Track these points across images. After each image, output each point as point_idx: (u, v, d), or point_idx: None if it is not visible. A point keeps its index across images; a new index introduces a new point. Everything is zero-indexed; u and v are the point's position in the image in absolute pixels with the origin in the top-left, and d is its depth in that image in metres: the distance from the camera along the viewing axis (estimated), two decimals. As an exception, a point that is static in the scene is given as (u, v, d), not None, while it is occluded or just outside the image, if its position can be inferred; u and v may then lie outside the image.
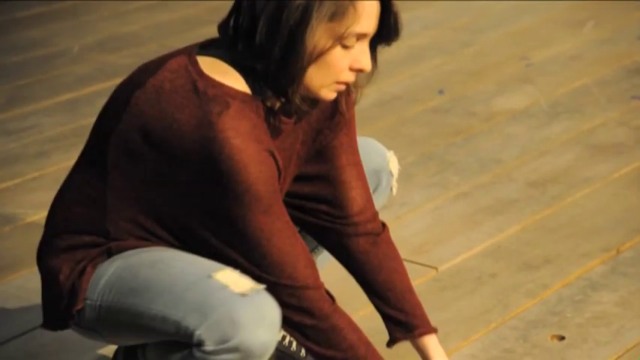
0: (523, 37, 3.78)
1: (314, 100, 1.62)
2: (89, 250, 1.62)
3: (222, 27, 1.60)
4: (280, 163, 1.59)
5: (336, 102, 1.70)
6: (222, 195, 1.54)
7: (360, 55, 1.58)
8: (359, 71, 1.60)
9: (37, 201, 2.73)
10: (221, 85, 1.55)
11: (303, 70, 1.55)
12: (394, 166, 1.96)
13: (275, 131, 1.62)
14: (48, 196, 2.77)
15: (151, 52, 3.72)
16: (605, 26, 3.82)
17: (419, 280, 2.25)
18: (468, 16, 4.00)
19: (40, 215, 2.66)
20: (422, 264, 2.34)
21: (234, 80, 1.57)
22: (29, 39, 4.03)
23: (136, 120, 1.57)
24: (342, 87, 1.61)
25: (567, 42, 3.69)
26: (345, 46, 1.56)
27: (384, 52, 1.64)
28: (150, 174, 1.57)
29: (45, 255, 1.66)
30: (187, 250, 1.62)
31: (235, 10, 1.58)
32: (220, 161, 1.51)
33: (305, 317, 1.60)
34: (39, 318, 2.19)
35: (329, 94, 1.60)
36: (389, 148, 3.04)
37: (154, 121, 1.55)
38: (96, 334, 1.65)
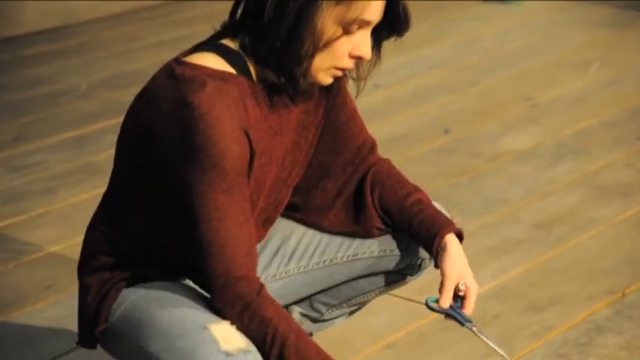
0: (529, 77, 3.79)
1: (312, 83, 1.62)
2: (114, 272, 1.65)
3: (231, 12, 1.62)
4: (254, 142, 1.58)
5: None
6: (189, 173, 1.54)
7: (361, 42, 1.58)
8: (358, 58, 1.60)
9: (42, 238, 2.73)
10: (199, 67, 1.57)
11: (310, 52, 1.55)
12: None
13: (265, 110, 1.62)
14: (53, 232, 2.79)
15: (158, 89, 3.75)
16: (611, 68, 3.83)
17: (422, 321, 2.23)
18: (474, 56, 4.02)
19: (45, 252, 2.66)
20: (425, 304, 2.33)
21: (214, 62, 1.58)
22: (36, 76, 4.05)
23: (129, 120, 1.63)
24: (340, 73, 1.61)
25: (573, 83, 3.70)
26: (347, 32, 1.57)
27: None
28: (136, 180, 1.61)
29: (81, 273, 1.70)
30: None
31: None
32: (193, 136, 1.52)
33: (233, 307, 1.57)
34: (41, 355, 2.18)
35: (325, 78, 1.60)
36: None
37: (138, 114, 1.60)
38: (116, 356, 1.68)
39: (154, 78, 1.63)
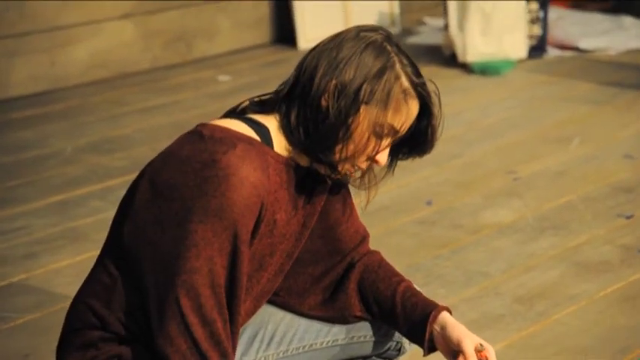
0: (510, 150, 3.84)
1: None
2: (99, 349, 1.63)
3: (275, 94, 1.68)
4: (268, 211, 1.61)
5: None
6: (200, 232, 1.55)
7: (383, 145, 1.65)
8: (375, 162, 1.66)
9: (21, 304, 2.71)
10: (228, 129, 1.61)
11: (340, 147, 1.62)
12: None
13: (285, 182, 1.66)
14: (34, 299, 2.77)
15: (143, 155, 3.76)
16: (591, 143, 3.88)
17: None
18: (457, 128, 4.06)
19: (24, 319, 2.64)
20: (407, 378, 2.32)
21: (241, 127, 1.63)
22: (22, 140, 4.07)
23: (144, 186, 1.61)
24: (354, 171, 1.67)
25: (554, 157, 3.75)
26: (376, 135, 1.63)
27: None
28: (149, 247, 1.59)
29: (61, 351, 1.67)
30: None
31: (294, 75, 1.66)
32: (214, 197, 1.54)
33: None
34: None
35: (337, 172, 1.66)
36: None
37: (159, 177, 1.60)
38: None
39: (177, 142, 1.64)
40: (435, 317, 1.75)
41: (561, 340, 2.51)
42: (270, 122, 1.66)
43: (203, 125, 1.64)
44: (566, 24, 5.36)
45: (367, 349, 1.85)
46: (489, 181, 3.55)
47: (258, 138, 1.63)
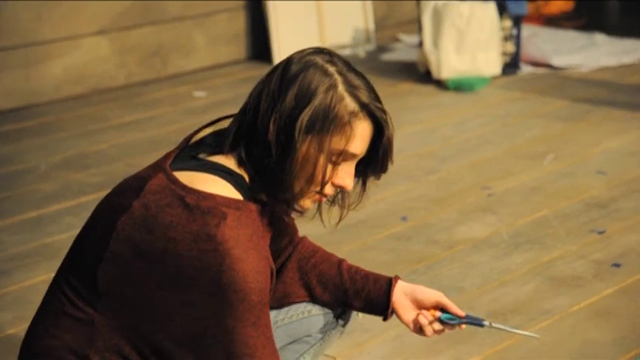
0: (485, 166, 3.86)
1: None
2: None
3: (225, 134, 1.63)
4: (273, 266, 1.60)
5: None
6: (216, 307, 1.52)
7: (344, 172, 1.62)
8: (340, 188, 1.63)
9: (-4, 320, 2.70)
10: (212, 196, 1.54)
11: (295, 179, 1.58)
12: None
13: (268, 230, 1.64)
14: (9, 315, 2.76)
15: (119, 170, 3.75)
16: (565, 160, 3.91)
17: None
18: (431, 144, 4.09)
19: (1, 335, 2.63)
20: (382, 393, 2.33)
21: (221, 188, 1.56)
22: (-3, 155, 4.05)
23: (125, 246, 1.55)
24: (322, 199, 1.64)
25: (527, 173, 3.78)
26: (332, 163, 1.60)
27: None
28: (141, 298, 1.55)
29: None
30: None
31: (238, 120, 1.61)
32: (221, 272, 1.50)
33: None
34: None
35: (307, 202, 1.63)
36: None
37: (146, 244, 1.54)
38: None
39: (153, 200, 1.55)
40: (394, 286, 1.83)
41: (535, 355, 2.52)
42: (235, 166, 1.60)
43: (184, 188, 1.54)
44: (540, 41, 5.41)
45: (310, 326, 1.88)
46: (464, 196, 3.57)
47: (239, 194, 1.57)
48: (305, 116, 1.54)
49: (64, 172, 3.85)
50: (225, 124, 1.68)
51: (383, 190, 3.63)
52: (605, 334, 2.61)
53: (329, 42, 5.40)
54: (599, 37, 5.56)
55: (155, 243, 1.54)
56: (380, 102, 1.61)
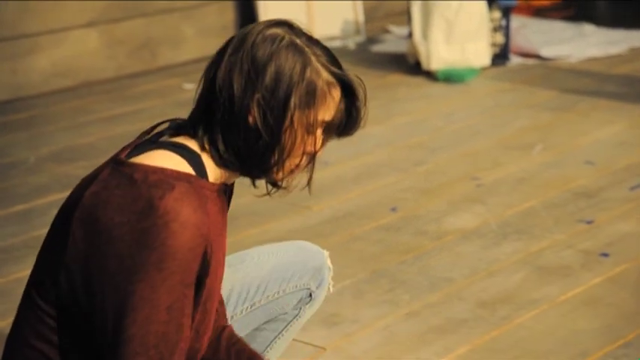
0: (474, 157, 3.87)
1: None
2: None
3: (190, 117, 1.59)
4: (213, 252, 1.54)
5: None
6: (139, 277, 1.46)
7: (318, 139, 1.61)
8: (312, 154, 1.61)
9: (-16, 313, 2.69)
10: (162, 170, 1.50)
11: (279, 158, 1.57)
12: (329, 263, 2.05)
13: (219, 211, 1.60)
14: (-3, 308, 2.75)
15: (107, 164, 3.75)
16: (553, 150, 3.92)
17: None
18: (421, 135, 4.09)
19: (-13, 328, 2.63)
20: (371, 384, 2.34)
21: (174, 162, 1.53)
22: (-15, 149, 4.04)
23: (80, 245, 1.51)
24: (297, 171, 1.62)
25: (516, 164, 3.78)
26: (311, 133, 1.59)
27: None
28: (91, 297, 1.51)
29: None
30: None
31: (204, 102, 1.57)
32: (153, 248, 1.45)
33: None
34: None
35: (288, 176, 1.62)
36: (340, 264, 3.07)
37: (97, 235, 1.49)
38: None
39: (103, 181, 1.52)
40: None
41: (523, 344, 2.53)
42: (196, 146, 1.57)
43: (131, 166, 1.51)
44: (529, 32, 5.41)
45: (284, 304, 1.94)
46: (453, 187, 3.57)
47: (192, 170, 1.54)
48: (294, 93, 1.55)
49: (52, 164, 3.84)
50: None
51: (372, 181, 3.63)
52: (593, 323, 2.62)
53: (318, 33, 5.40)
54: (588, 28, 5.57)
55: (104, 232, 1.49)
56: (341, 66, 1.62)
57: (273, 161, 1.57)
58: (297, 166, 1.61)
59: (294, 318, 2.00)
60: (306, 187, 1.64)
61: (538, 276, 2.90)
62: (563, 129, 4.15)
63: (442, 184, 3.60)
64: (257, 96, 1.54)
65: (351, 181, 3.61)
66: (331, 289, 2.06)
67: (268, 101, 1.54)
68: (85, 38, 4.84)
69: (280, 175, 1.61)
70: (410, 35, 4.98)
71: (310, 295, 2.00)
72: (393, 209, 3.39)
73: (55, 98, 4.66)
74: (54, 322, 1.56)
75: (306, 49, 1.58)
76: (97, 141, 4.11)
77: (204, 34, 5.23)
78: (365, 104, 1.63)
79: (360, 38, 5.53)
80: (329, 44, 5.52)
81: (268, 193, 1.66)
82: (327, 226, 3.28)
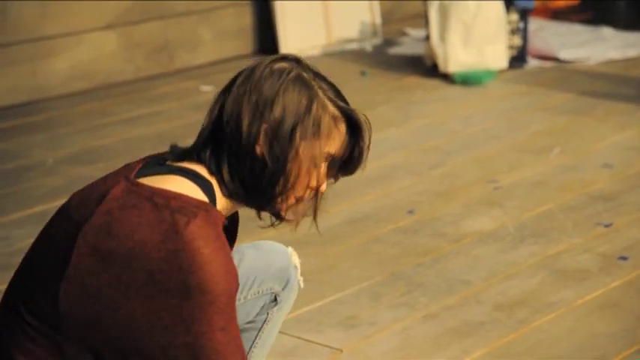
0: (491, 160, 3.86)
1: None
2: None
3: (196, 143, 1.61)
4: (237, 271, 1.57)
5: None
6: (184, 312, 1.49)
7: (322, 174, 1.62)
8: (316, 189, 1.63)
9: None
10: (181, 196, 1.53)
11: (283, 190, 1.58)
12: (296, 260, 2.00)
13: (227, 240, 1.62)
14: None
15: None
16: (571, 153, 3.91)
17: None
18: (438, 138, 4.08)
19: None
20: (388, 386, 2.34)
21: (189, 189, 1.55)
22: (3, 151, 4.05)
23: (89, 259, 1.52)
24: (300, 207, 1.64)
25: (533, 167, 3.77)
26: (315, 166, 1.60)
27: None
28: (107, 314, 1.51)
29: None
30: None
31: (214, 123, 1.60)
32: (190, 272, 1.47)
33: None
34: None
35: (282, 217, 1.65)
36: (358, 267, 3.07)
37: (111, 251, 1.50)
38: None
39: (116, 207, 1.52)
40: None
41: (540, 348, 2.52)
42: (206, 173, 1.59)
43: (149, 188, 1.52)
44: (547, 35, 5.40)
45: (251, 309, 1.93)
46: (470, 190, 3.57)
47: (206, 198, 1.56)
48: (300, 125, 1.58)
49: (70, 166, 3.86)
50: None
51: (389, 184, 3.63)
52: (610, 327, 2.61)
53: (336, 36, 5.40)
54: (606, 31, 5.55)
55: (120, 248, 1.50)
56: (347, 102, 1.65)
57: (277, 191, 1.59)
58: (301, 198, 1.63)
59: (264, 323, 1.96)
60: (313, 223, 1.67)
61: (555, 279, 2.89)
62: (580, 132, 4.14)
63: (459, 187, 3.60)
64: (265, 126, 1.57)
65: (367, 183, 3.61)
66: (301, 285, 2.00)
67: (275, 131, 1.57)
68: (103, 41, 4.86)
69: (284, 206, 1.62)
70: (427, 38, 4.98)
71: (275, 298, 1.96)
72: (410, 212, 3.39)
73: (73, 100, 4.68)
74: (45, 341, 1.55)
75: (313, 82, 1.62)
76: (114, 143, 4.13)
77: (222, 36, 5.24)
78: (369, 147, 1.65)
79: (377, 41, 5.53)
80: (346, 47, 5.56)
81: (272, 225, 1.68)
82: (345, 228, 3.28)
